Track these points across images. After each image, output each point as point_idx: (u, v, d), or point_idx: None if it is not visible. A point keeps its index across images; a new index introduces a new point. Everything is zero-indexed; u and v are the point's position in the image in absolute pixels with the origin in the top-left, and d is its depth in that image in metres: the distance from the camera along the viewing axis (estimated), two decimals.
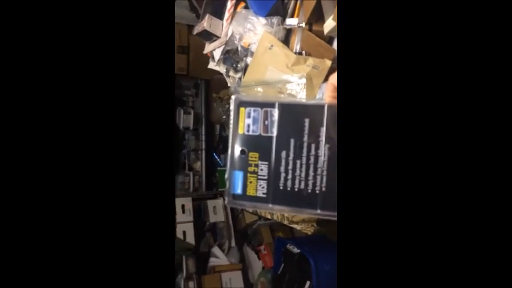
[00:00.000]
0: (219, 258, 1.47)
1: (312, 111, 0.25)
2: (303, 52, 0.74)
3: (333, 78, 0.25)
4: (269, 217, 1.09)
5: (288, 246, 1.23)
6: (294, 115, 0.25)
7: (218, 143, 1.68)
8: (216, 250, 1.48)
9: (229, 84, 0.97)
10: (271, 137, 0.26)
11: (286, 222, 1.01)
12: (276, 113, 0.26)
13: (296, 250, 1.20)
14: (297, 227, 1.02)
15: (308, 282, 1.08)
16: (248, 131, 0.26)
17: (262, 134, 0.26)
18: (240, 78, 0.89)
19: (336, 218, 0.25)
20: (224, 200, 0.27)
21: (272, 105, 0.26)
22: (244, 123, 0.26)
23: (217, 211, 1.55)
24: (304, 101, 0.26)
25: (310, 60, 0.70)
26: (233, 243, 1.55)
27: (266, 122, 0.26)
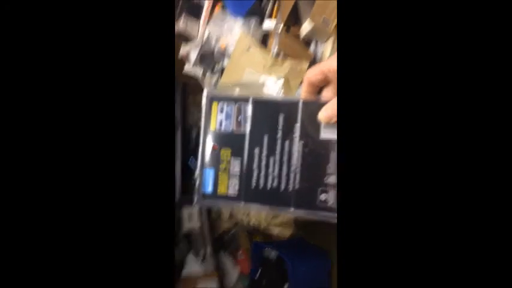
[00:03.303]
0: (194, 266, 1.42)
1: (286, 107, 0.24)
2: (281, 54, 0.74)
3: (309, 73, 0.25)
4: (246, 222, 1.07)
5: (265, 250, 1.22)
6: (268, 111, 0.25)
7: (194, 148, 1.64)
8: (190, 258, 1.44)
9: (205, 87, 0.95)
10: (244, 133, 0.25)
11: (263, 226, 1.00)
12: (249, 108, 0.25)
13: (274, 254, 1.19)
14: (275, 230, 1.01)
15: (286, 284, 1.07)
16: (220, 126, 0.25)
17: (235, 129, 0.25)
18: (216, 81, 0.88)
19: (310, 217, 0.24)
20: (193, 199, 0.25)
21: (246, 100, 0.25)
22: (217, 119, 0.25)
23: (192, 217, 1.51)
24: (278, 97, 0.25)
25: (288, 62, 0.70)
26: (209, 250, 1.51)
27: (239, 118, 0.25)
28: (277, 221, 0.98)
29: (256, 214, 1.02)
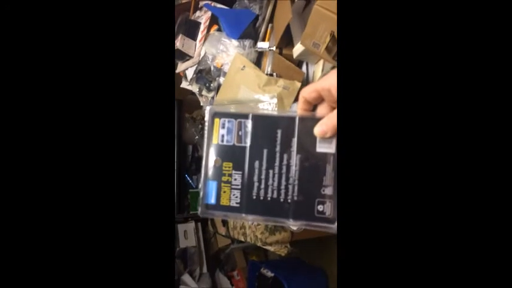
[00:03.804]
0: (189, 286, 1.38)
1: (284, 122, 0.26)
2: (274, 74, 0.77)
3: (304, 91, 0.27)
4: (242, 239, 1.06)
5: (261, 270, 1.20)
6: (266, 126, 0.26)
7: (191, 164, 1.64)
8: (186, 278, 1.40)
9: (201, 103, 0.97)
10: (244, 147, 0.26)
11: (259, 244, 0.99)
12: (249, 124, 0.26)
13: (270, 274, 1.17)
14: (271, 248, 1.00)
15: None
16: (222, 141, 0.26)
17: (236, 144, 0.26)
18: (212, 97, 0.90)
19: (307, 227, 0.25)
20: (197, 210, 0.26)
21: (246, 116, 0.26)
22: (219, 134, 0.26)
23: (188, 235, 1.48)
24: (276, 113, 0.27)
25: (281, 82, 0.73)
26: (205, 270, 1.48)
27: (240, 133, 0.26)
28: (273, 240, 0.98)
29: (252, 232, 1.01)
